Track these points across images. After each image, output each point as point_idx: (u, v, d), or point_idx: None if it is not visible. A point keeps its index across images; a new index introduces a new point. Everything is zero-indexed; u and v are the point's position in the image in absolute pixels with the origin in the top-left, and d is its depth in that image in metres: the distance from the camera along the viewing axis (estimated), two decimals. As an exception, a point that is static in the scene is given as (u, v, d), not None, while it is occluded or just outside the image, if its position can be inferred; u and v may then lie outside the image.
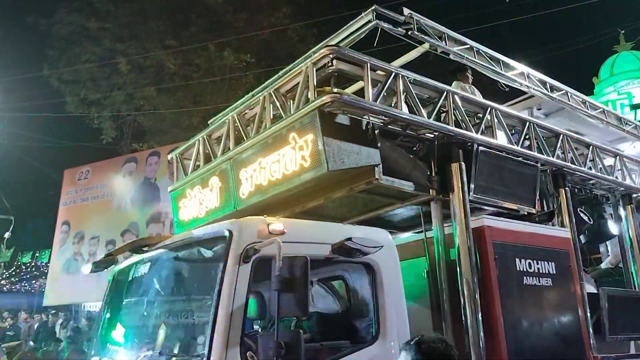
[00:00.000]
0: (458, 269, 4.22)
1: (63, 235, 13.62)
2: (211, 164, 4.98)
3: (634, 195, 6.27)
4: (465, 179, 4.41)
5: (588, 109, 6.05)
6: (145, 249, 3.92)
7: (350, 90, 4.76)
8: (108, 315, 4.22)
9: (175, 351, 3.25)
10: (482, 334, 4.04)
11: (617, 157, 6.14)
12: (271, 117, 4.32)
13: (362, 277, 3.94)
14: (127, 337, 3.73)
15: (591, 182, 5.86)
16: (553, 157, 5.26)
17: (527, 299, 4.43)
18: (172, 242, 3.77)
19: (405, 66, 4.70)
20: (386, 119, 4.09)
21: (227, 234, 3.25)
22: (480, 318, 4.08)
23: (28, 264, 20.17)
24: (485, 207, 4.86)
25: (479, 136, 4.55)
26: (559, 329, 4.60)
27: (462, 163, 4.43)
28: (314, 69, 3.92)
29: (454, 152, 4.44)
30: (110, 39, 13.94)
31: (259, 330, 4.01)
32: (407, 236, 5.02)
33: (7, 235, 13.72)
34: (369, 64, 3.97)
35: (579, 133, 6.63)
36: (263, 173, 4.27)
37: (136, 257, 4.03)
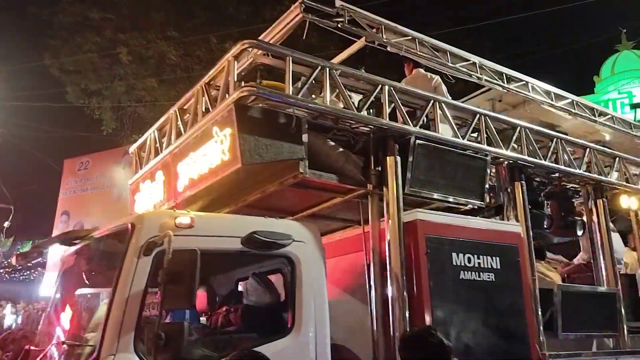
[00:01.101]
0: (388, 264, 4.19)
1: (62, 225, 13.98)
2: (157, 157, 5.06)
3: (606, 189, 6.10)
4: (399, 172, 4.36)
5: (553, 100, 5.86)
6: (75, 241, 4.01)
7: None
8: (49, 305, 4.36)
9: (79, 340, 3.33)
10: (408, 329, 4.00)
11: (587, 149, 5.94)
12: (203, 110, 4.35)
13: (286, 270, 3.95)
14: (48, 327, 3.85)
15: (555, 175, 5.70)
16: (507, 149, 5.14)
17: (463, 294, 4.33)
18: (95, 235, 3.84)
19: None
20: (312, 112, 4.07)
21: (129, 227, 3.31)
22: (407, 314, 4.05)
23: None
24: (430, 201, 4.83)
25: (415, 129, 4.47)
26: (500, 325, 4.48)
27: (398, 157, 4.38)
28: (235, 62, 3.92)
29: (389, 146, 4.39)
30: (112, 30, 14.11)
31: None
32: (349, 230, 4.99)
33: (6, 224, 14.19)
34: (290, 57, 3.95)
35: (554, 127, 6.47)
36: (194, 167, 4.31)
37: (68, 250, 4.13)
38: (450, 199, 4.70)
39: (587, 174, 5.77)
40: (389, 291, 4.12)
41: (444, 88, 5.50)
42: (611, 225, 6.96)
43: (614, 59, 18.72)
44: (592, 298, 5.43)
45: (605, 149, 6.31)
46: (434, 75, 5.59)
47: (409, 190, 4.42)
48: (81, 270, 3.89)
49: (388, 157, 4.37)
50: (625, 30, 18.66)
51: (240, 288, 4.86)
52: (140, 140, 5.73)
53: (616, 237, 6.74)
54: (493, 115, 5.13)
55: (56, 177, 14.71)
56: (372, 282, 4.26)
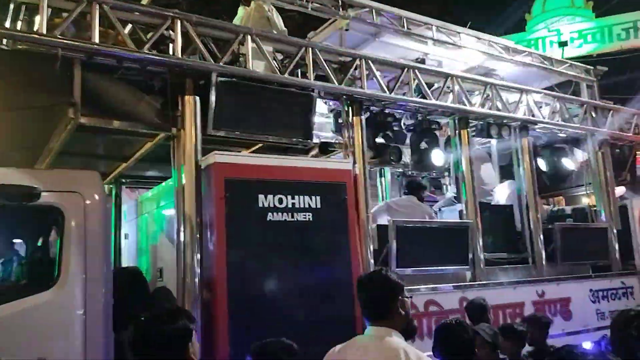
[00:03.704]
0: (182, 210, 4.04)
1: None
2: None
3: (472, 119, 5.87)
4: (199, 113, 4.12)
5: (405, 26, 5.49)
6: None
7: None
8: None
9: None
10: (197, 278, 3.92)
11: (449, 77, 5.64)
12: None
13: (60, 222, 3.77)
14: None
15: (408, 107, 5.45)
16: (340, 83, 4.87)
17: (272, 236, 4.21)
18: None
19: None
20: (83, 52, 3.77)
21: None
22: (197, 258, 3.95)
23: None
24: (255, 142, 4.64)
25: (216, 66, 4.19)
26: (316, 264, 4.38)
27: (196, 96, 4.12)
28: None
29: (186, 85, 4.13)
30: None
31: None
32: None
33: None
34: (45, -8, 3.61)
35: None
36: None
37: None
38: (268, 138, 4.50)
39: (442, 103, 5.51)
40: (183, 236, 4.00)
41: (277, 18, 5.13)
42: (484, 155, 6.84)
43: (545, -4, 19.10)
44: (437, 232, 5.32)
45: (474, 76, 6.03)
46: (265, 5, 5.21)
47: (212, 131, 4.20)
48: None
49: (185, 97, 4.12)
50: (556, -33, 18.96)
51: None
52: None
53: (487, 168, 6.62)
54: (323, 46, 4.81)
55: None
56: (176, 232, 4.14)
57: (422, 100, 5.36)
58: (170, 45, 4.18)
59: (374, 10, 5.22)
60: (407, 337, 2.66)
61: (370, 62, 5.05)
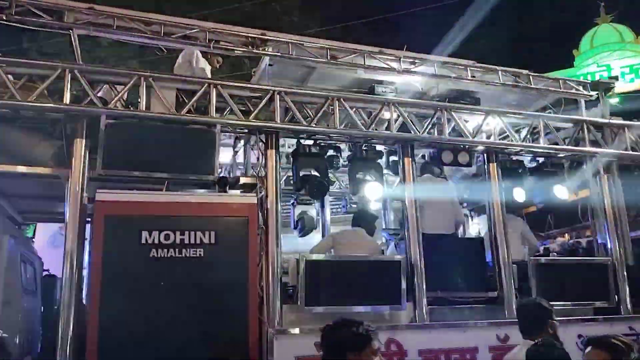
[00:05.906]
0: (64, 246, 4.23)
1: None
2: None
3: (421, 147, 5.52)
4: (86, 154, 4.34)
5: (327, 57, 5.34)
6: None
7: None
8: None
9: None
10: (71, 317, 4.04)
11: (389, 104, 5.35)
12: None
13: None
14: None
15: (336, 137, 5.27)
16: (250, 117, 4.85)
17: (154, 273, 4.23)
18: None
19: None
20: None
21: None
22: (72, 294, 4.08)
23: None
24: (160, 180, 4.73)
25: (104, 109, 4.39)
26: (205, 302, 4.29)
27: (84, 139, 4.34)
28: None
29: (77, 128, 4.39)
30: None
31: None
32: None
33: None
34: None
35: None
36: None
37: None
38: (162, 175, 4.56)
39: (373, 132, 5.23)
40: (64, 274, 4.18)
41: (197, 61, 5.30)
42: (444, 185, 6.33)
43: (592, 32, 18.86)
44: (363, 268, 4.95)
45: (416, 101, 5.66)
46: (188, 51, 5.42)
47: (102, 171, 4.37)
48: None
49: (75, 140, 4.37)
50: (603, 4, 18.90)
51: None
52: None
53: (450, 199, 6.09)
54: (227, 84, 4.85)
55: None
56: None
57: (343, 130, 5.15)
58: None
59: (289, 44, 5.16)
60: None
61: (284, 94, 4.99)
